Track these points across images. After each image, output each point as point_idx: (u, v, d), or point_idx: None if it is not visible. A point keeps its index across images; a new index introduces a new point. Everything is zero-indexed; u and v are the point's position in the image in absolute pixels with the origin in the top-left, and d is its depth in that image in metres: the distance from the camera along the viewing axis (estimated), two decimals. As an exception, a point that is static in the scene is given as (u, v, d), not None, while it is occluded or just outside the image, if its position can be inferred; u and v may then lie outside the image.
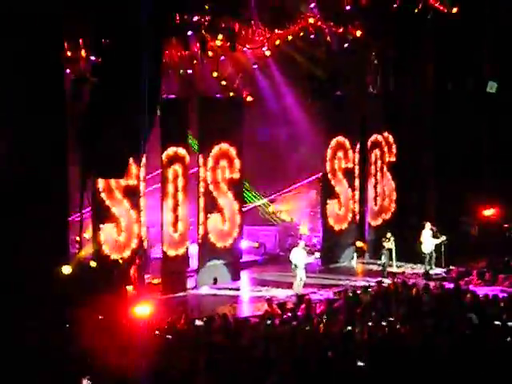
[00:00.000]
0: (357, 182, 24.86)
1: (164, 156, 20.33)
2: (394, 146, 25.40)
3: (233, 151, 21.74)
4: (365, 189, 24.99)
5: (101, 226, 19.00)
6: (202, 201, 21.27)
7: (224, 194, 21.60)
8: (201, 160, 21.27)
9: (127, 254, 19.40)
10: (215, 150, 21.40)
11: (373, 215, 25.16)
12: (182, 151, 20.59)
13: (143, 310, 14.80)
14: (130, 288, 18.94)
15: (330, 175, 24.18)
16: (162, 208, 20.44)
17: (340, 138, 24.35)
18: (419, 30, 23.35)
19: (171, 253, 20.55)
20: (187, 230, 20.96)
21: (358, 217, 24.94)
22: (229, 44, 21.31)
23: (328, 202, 24.20)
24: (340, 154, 24.32)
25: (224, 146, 21.55)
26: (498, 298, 15.63)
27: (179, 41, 20.45)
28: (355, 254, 24.55)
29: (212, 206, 21.40)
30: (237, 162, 21.82)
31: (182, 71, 23.09)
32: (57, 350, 13.58)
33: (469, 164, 25.25)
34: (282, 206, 26.53)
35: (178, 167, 20.54)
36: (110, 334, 13.93)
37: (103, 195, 19.09)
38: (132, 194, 19.56)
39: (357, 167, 24.80)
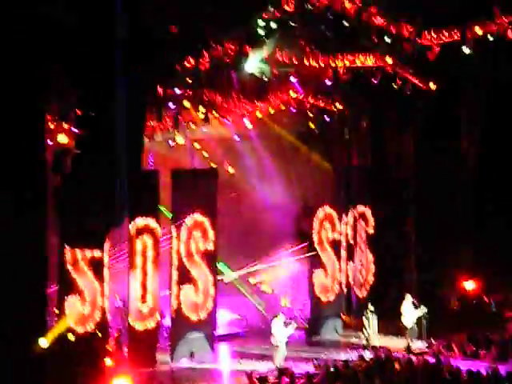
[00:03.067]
0: (343, 253, 24.92)
1: (132, 227, 20.04)
2: (371, 219, 25.56)
3: (207, 222, 21.58)
4: (352, 260, 25.08)
5: (65, 297, 18.69)
6: (174, 273, 21.02)
7: (198, 265, 21.33)
8: (174, 231, 21.08)
9: (91, 326, 18.89)
10: (189, 221, 21.25)
11: (358, 287, 25.21)
12: (152, 223, 20.40)
13: (122, 382, 14.57)
14: (108, 361, 18.65)
15: (317, 246, 24.24)
16: (129, 280, 20.14)
17: (327, 209, 24.53)
18: (398, 105, 23.81)
19: (139, 326, 20.18)
20: (157, 303, 20.63)
21: (345, 289, 24.94)
22: (203, 116, 21.52)
23: (314, 271, 24.20)
24: (327, 224, 24.44)
25: (198, 217, 21.42)
26: (481, 373, 15.53)
27: (160, 113, 20.63)
28: (338, 327, 24.45)
29: (185, 278, 21.14)
30: (211, 233, 21.63)
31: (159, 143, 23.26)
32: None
33: (450, 236, 25.43)
34: (262, 277, 26.41)
35: (147, 238, 20.29)
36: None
37: (69, 267, 18.86)
38: (96, 265, 19.28)
39: (343, 238, 24.91)
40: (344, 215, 24.96)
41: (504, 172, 25.31)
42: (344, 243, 24.98)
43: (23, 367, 15.46)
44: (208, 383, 18.28)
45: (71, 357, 17.47)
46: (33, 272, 16.11)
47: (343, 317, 24.68)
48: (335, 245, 24.67)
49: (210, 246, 21.63)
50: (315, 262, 24.33)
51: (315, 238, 24.25)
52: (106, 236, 17.38)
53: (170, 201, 21.32)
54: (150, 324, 20.34)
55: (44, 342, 16.34)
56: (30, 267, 15.97)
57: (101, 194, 15.60)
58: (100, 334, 18.73)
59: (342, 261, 24.85)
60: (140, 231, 20.22)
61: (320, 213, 24.40)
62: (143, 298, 20.21)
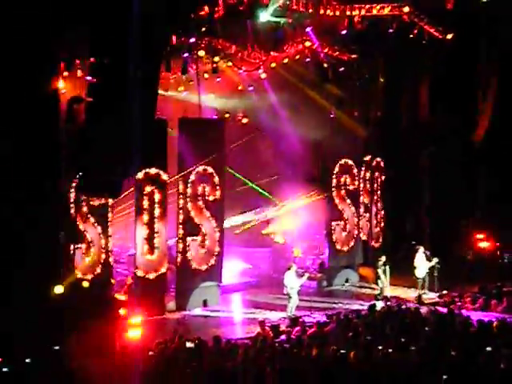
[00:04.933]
0: (363, 205, 24.97)
1: (139, 175, 19.99)
2: (385, 171, 25.61)
3: (213, 172, 21.57)
4: (370, 210, 25.18)
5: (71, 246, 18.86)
6: (181, 220, 21.07)
7: (204, 215, 21.37)
8: (180, 180, 21.11)
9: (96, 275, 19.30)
10: (195, 170, 21.25)
11: (374, 238, 25.37)
12: (160, 172, 20.38)
13: (135, 332, 14.75)
14: (121, 311, 18.87)
15: (335, 197, 24.27)
16: (136, 227, 20.23)
17: (345, 160, 24.56)
18: (414, 55, 23.56)
19: (146, 275, 20.30)
20: (165, 252, 20.73)
21: (362, 239, 25.08)
22: (212, 66, 21.36)
23: (333, 223, 24.27)
24: (345, 176, 24.53)
25: (204, 166, 21.40)
26: (492, 323, 15.59)
27: (176, 62, 20.50)
28: (351, 278, 24.65)
29: (192, 228, 21.22)
30: (218, 183, 21.64)
31: (178, 92, 23.20)
32: (47, 373, 13.49)
33: (464, 190, 25.42)
34: (275, 227, 26.52)
35: (154, 187, 20.30)
36: (101, 358, 13.87)
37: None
38: (101, 213, 19.52)
39: (362, 188, 24.96)
40: (361, 167, 25.00)
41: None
42: (361, 194, 25.06)
43: (41, 313, 15.66)
44: (220, 331, 18.46)
45: (85, 305, 17.66)
46: (48, 222, 16.22)
47: (360, 268, 24.86)
48: (353, 196, 24.74)
49: (217, 195, 21.62)
50: (333, 213, 24.39)
51: (334, 190, 24.29)
52: (121, 185, 17.42)
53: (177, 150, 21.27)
54: (159, 272, 20.48)
55: (59, 289, 16.51)
56: (45, 218, 16.09)
57: (115, 142, 15.57)
58: (113, 281, 18.94)
59: (360, 212, 24.96)
60: (147, 180, 20.21)
61: (338, 164, 24.44)
62: (151, 247, 20.30)
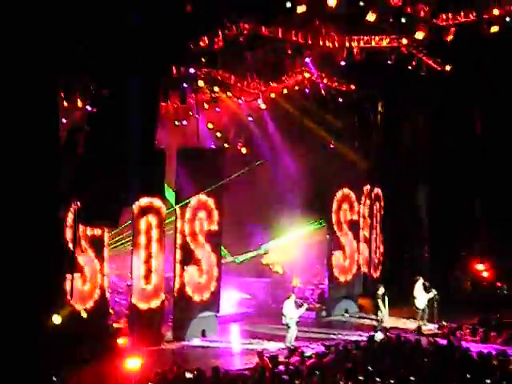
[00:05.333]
0: (361, 234, 25.03)
1: (136, 206, 19.92)
2: (383, 200, 25.68)
3: (212, 202, 21.58)
4: (369, 241, 25.23)
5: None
6: (178, 253, 21.02)
7: (202, 246, 21.33)
8: (178, 211, 21.06)
9: (90, 304, 19.14)
10: (193, 201, 21.24)
11: (374, 269, 25.38)
12: (157, 202, 20.34)
13: (134, 362, 14.68)
14: (121, 341, 18.79)
15: (335, 227, 24.31)
16: (132, 260, 20.15)
17: (346, 190, 24.65)
18: (412, 86, 23.71)
19: (143, 306, 20.18)
20: (162, 282, 20.64)
21: (363, 270, 25.09)
22: (210, 96, 21.42)
23: (333, 253, 24.30)
24: (345, 206, 24.59)
25: (202, 197, 21.41)
26: (492, 355, 15.55)
27: (175, 93, 20.62)
28: (351, 308, 24.61)
29: (189, 259, 21.16)
30: (215, 214, 21.62)
31: (177, 122, 23.32)
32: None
33: (463, 220, 25.46)
34: (274, 258, 26.50)
35: (152, 218, 20.26)
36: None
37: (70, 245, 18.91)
38: (96, 244, 19.46)
39: (362, 219, 25.01)
40: (361, 197, 25.08)
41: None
42: (361, 224, 25.10)
43: (38, 343, 15.56)
44: (219, 362, 18.35)
45: (82, 335, 17.58)
46: (47, 250, 16.18)
47: (359, 299, 24.81)
48: (353, 226, 24.77)
49: (215, 227, 21.62)
50: (334, 243, 24.43)
51: (334, 219, 24.36)
52: (120, 214, 17.42)
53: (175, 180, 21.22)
54: (155, 303, 20.38)
55: (57, 319, 16.42)
56: (44, 244, 16.05)
57: (113, 172, 15.61)
58: (111, 312, 18.84)
59: (360, 242, 25.00)
60: (144, 210, 20.16)
61: (338, 194, 24.52)
62: (147, 278, 20.22)
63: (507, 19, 17.80)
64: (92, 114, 17.06)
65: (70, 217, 18.59)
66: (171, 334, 21.01)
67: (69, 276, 18.11)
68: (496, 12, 17.64)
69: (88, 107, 17.97)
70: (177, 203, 21.12)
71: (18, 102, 15.40)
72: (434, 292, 22.04)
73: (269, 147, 25.55)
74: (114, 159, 15.98)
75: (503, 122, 25.18)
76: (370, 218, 25.42)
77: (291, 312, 20.20)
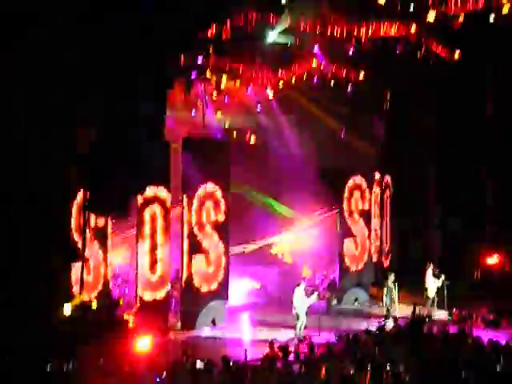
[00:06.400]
0: (373, 223, 24.99)
1: (141, 196, 19.88)
2: (393, 188, 25.69)
3: (219, 192, 21.58)
4: (381, 230, 25.24)
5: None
6: (185, 243, 21.05)
7: (209, 235, 21.38)
8: (185, 201, 21.07)
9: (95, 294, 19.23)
10: (200, 191, 21.23)
11: (384, 257, 25.39)
12: (162, 192, 20.34)
13: (144, 343, 14.71)
14: (130, 319, 18.89)
15: (346, 215, 24.28)
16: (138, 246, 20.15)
17: (356, 178, 24.62)
18: (420, 75, 23.60)
19: (149, 296, 20.20)
20: (168, 272, 20.68)
21: (374, 258, 25.09)
22: (218, 86, 21.36)
23: (344, 241, 24.27)
24: (357, 194, 24.57)
25: (210, 186, 21.40)
26: (503, 343, 15.53)
27: (183, 83, 20.58)
28: (361, 297, 24.60)
29: (196, 248, 21.19)
30: (222, 203, 21.65)
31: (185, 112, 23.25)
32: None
33: (474, 206, 25.41)
34: (284, 247, 26.47)
35: (156, 208, 20.26)
36: (110, 378, 13.84)
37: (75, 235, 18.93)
38: (101, 234, 19.51)
39: (373, 207, 24.98)
40: (371, 185, 25.06)
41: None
42: (373, 212, 25.09)
43: (49, 334, 15.64)
44: (229, 351, 18.36)
45: (93, 325, 17.62)
46: (56, 238, 16.25)
47: (371, 288, 24.80)
48: (364, 214, 24.76)
49: (222, 217, 21.60)
50: (345, 232, 24.42)
51: (345, 208, 24.32)
52: (128, 203, 17.45)
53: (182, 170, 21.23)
54: (161, 293, 20.42)
55: (68, 309, 16.49)
56: (53, 238, 16.11)
57: (125, 161, 15.62)
58: (121, 302, 18.90)
59: (371, 231, 24.99)
60: (149, 200, 20.16)
61: (350, 182, 24.51)
62: (152, 268, 20.23)
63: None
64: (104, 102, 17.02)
65: (77, 204, 18.64)
66: (180, 324, 21.04)
67: (76, 265, 18.20)
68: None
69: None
70: (184, 192, 21.08)
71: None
72: (443, 279, 22.02)
73: (277, 136, 25.45)
74: (125, 148, 15.99)
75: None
76: (380, 206, 25.40)
77: (301, 301, 20.19)
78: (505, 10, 17.97)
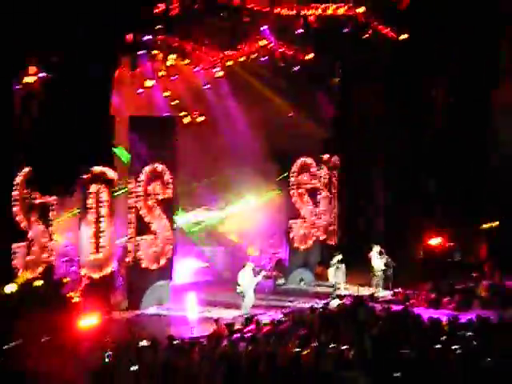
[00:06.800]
0: (322, 203, 25.14)
1: (86, 175, 19.58)
2: (340, 168, 25.88)
3: (164, 170, 21.45)
4: (328, 209, 25.40)
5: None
6: (132, 221, 20.95)
7: (155, 214, 21.30)
8: (130, 179, 20.96)
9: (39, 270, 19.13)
10: (147, 169, 21.11)
11: (332, 236, 25.59)
12: (108, 171, 20.07)
13: (89, 321, 14.65)
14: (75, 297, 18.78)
15: (293, 194, 24.37)
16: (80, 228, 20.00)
17: (304, 158, 24.76)
18: (368, 56, 23.78)
19: (94, 275, 20.02)
20: (112, 252, 20.57)
21: (321, 238, 25.26)
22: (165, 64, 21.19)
23: (291, 222, 24.38)
24: (305, 174, 24.70)
25: (156, 165, 21.29)
26: (442, 320, 15.86)
27: (130, 60, 20.41)
28: (307, 277, 24.77)
29: (143, 228, 21.11)
30: (170, 183, 21.54)
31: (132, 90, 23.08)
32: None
33: (419, 191, 25.77)
34: (231, 226, 26.50)
35: (102, 187, 20.01)
36: (55, 351, 13.77)
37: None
38: (45, 213, 19.40)
39: (320, 187, 25.14)
40: (319, 165, 25.19)
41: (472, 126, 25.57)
42: (320, 192, 25.24)
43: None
44: (175, 330, 18.39)
45: (37, 303, 17.49)
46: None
47: (317, 267, 24.98)
48: (312, 194, 24.90)
49: (169, 194, 21.55)
50: (293, 211, 24.56)
51: (293, 187, 24.44)
52: (74, 181, 17.32)
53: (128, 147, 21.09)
54: (105, 272, 20.29)
55: (11, 288, 16.34)
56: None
57: (68, 139, 15.48)
58: (66, 280, 18.78)
59: (318, 210, 25.14)
60: (95, 179, 19.91)
61: (298, 162, 24.59)
62: (96, 247, 20.10)
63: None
64: (46, 81, 16.83)
65: (18, 182, 18.39)
66: (126, 303, 20.99)
67: (20, 245, 18.00)
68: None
69: (41, 74, 17.76)
70: (131, 172, 20.97)
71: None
72: (387, 259, 22.37)
73: (225, 115, 25.40)
74: (69, 126, 15.83)
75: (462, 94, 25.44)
76: (327, 187, 25.57)
77: (248, 280, 20.29)
78: None
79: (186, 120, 23.93)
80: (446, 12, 20.08)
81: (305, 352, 13.49)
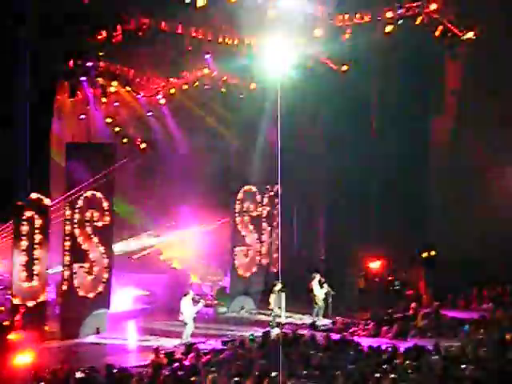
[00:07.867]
0: (265, 231, 25.23)
1: (21, 201, 19.43)
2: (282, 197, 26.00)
3: (102, 197, 21.20)
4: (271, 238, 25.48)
5: None
6: (67, 250, 20.64)
7: (92, 241, 21.02)
8: (67, 206, 20.64)
9: None
10: (84, 196, 20.83)
11: (274, 264, 25.63)
12: (43, 198, 19.81)
13: (24, 358, 14.39)
14: (13, 336, 18.31)
15: (238, 222, 24.43)
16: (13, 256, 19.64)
17: (248, 187, 24.80)
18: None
19: (26, 303, 19.69)
20: (44, 279, 20.26)
21: (264, 265, 25.29)
22: (106, 90, 21.13)
23: (236, 249, 24.44)
24: (248, 202, 24.75)
25: (93, 192, 21.01)
26: (381, 349, 16.01)
27: (71, 86, 20.28)
28: (248, 304, 24.76)
29: (79, 256, 20.83)
30: (106, 208, 21.23)
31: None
32: None
33: (357, 216, 25.99)
34: (173, 253, 26.39)
35: (36, 214, 19.74)
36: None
37: None
38: None
39: (264, 216, 25.20)
40: (263, 193, 25.29)
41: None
42: (264, 221, 25.30)
43: None
44: (114, 359, 18.15)
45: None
46: None
47: (261, 295, 24.96)
48: (256, 222, 24.93)
49: (106, 221, 21.32)
50: (236, 239, 24.58)
51: (237, 217, 24.45)
52: (9, 208, 17.04)
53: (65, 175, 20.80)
54: (40, 300, 19.98)
55: None
56: None
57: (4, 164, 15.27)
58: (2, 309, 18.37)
59: (262, 238, 25.20)
60: (29, 205, 19.64)
61: (241, 191, 24.63)
62: (28, 275, 19.78)
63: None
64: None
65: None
66: (61, 332, 20.62)
67: None
68: (389, 15, 18.26)
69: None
70: (68, 197, 20.68)
71: None
72: (328, 288, 22.52)
73: (168, 142, 25.40)
74: (5, 151, 15.62)
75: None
76: (270, 215, 25.62)
77: (188, 308, 20.19)
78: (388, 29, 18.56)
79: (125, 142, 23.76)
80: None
81: (246, 381, 13.45)
